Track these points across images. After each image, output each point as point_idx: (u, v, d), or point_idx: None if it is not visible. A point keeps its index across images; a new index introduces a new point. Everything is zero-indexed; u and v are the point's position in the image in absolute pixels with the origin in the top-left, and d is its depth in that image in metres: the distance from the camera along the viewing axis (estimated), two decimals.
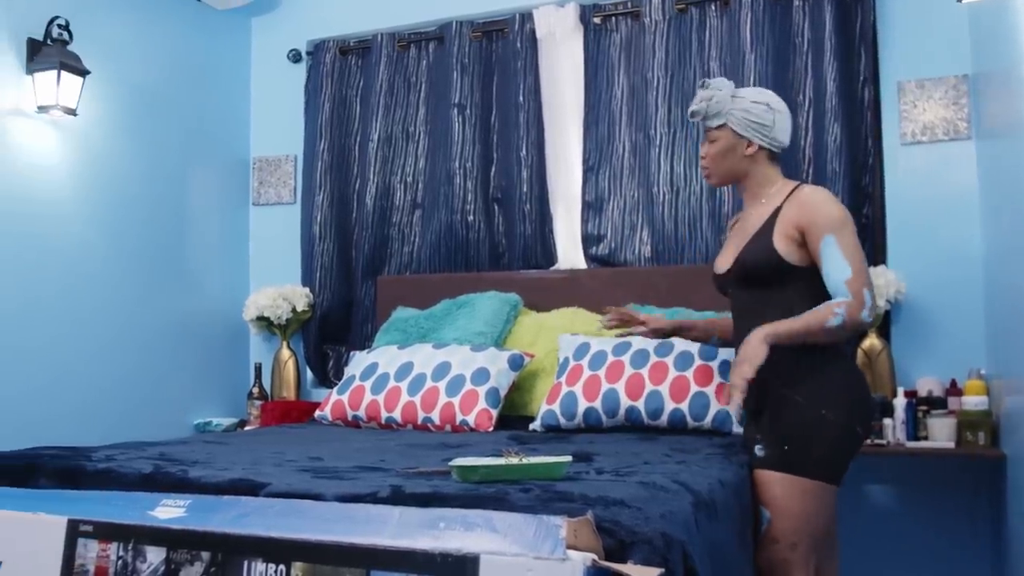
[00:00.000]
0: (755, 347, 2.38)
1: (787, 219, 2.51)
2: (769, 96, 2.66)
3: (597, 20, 4.13)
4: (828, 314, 2.38)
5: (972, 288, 3.46)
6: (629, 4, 4.08)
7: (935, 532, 3.52)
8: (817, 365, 2.49)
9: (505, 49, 4.28)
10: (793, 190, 2.58)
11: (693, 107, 2.68)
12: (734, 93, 2.64)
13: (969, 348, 3.43)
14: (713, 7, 3.95)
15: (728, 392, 2.40)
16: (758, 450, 2.51)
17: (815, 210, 2.47)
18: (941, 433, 3.26)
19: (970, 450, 3.22)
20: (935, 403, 3.34)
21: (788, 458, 2.45)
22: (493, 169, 4.28)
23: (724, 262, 2.71)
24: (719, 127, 2.65)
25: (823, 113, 3.66)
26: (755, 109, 2.61)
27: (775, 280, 2.53)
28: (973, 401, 3.24)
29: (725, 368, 3.13)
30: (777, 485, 2.46)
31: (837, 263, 2.41)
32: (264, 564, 1.60)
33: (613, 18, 4.12)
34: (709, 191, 3.86)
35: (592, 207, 4.07)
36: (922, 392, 3.40)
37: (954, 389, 3.37)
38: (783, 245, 2.50)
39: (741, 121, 2.61)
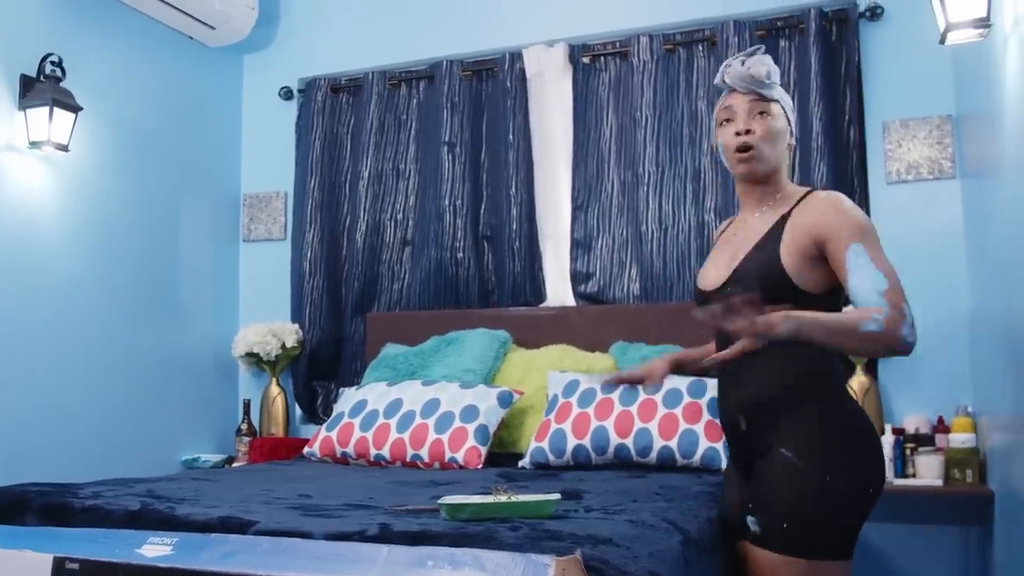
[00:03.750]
0: (772, 320, 1.88)
1: (800, 228, 2.10)
2: None
3: (586, 60, 4.17)
4: (864, 316, 1.92)
5: (958, 325, 3.48)
6: (618, 44, 4.13)
7: (924, 570, 3.51)
8: (816, 409, 2.10)
9: (495, 88, 4.32)
10: (804, 196, 2.19)
11: (761, 68, 2.19)
12: None
13: (956, 385, 3.44)
14: (700, 48, 4.00)
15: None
16: (751, 522, 2.09)
17: (837, 216, 2.06)
18: (929, 471, 3.26)
19: (958, 488, 3.22)
20: (922, 440, 3.35)
21: (789, 538, 2.02)
22: (483, 207, 4.30)
23: (714, 276, 2.28)
24: (776, 101, 2.22)
25: (809, 152, 3.70)
26: (789, 100, 2.25)
27: (773, 302, 1.99)
28: (960, 438, 3.25)
29: (714, 405, 3.13)
30: (781, 570, 2.03)
31: (869, 274, 1.98)
32: None
33: (602, 58, 4.17)
34: (697, 229, 3.88)
35: (581, 245, 4.09)
36: (909, 429, 3.41)
37: (941, 426, 3.38)
38: (792, 261, 2.09)
39: (788, 105, 2.25)
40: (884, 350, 1.98)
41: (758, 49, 2.27)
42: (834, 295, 2.13)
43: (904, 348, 1.94)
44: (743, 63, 2.22)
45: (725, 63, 2.27)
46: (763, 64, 2.20)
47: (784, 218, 2.16)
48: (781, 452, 2.08)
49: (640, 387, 2.72)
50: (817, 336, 1.94)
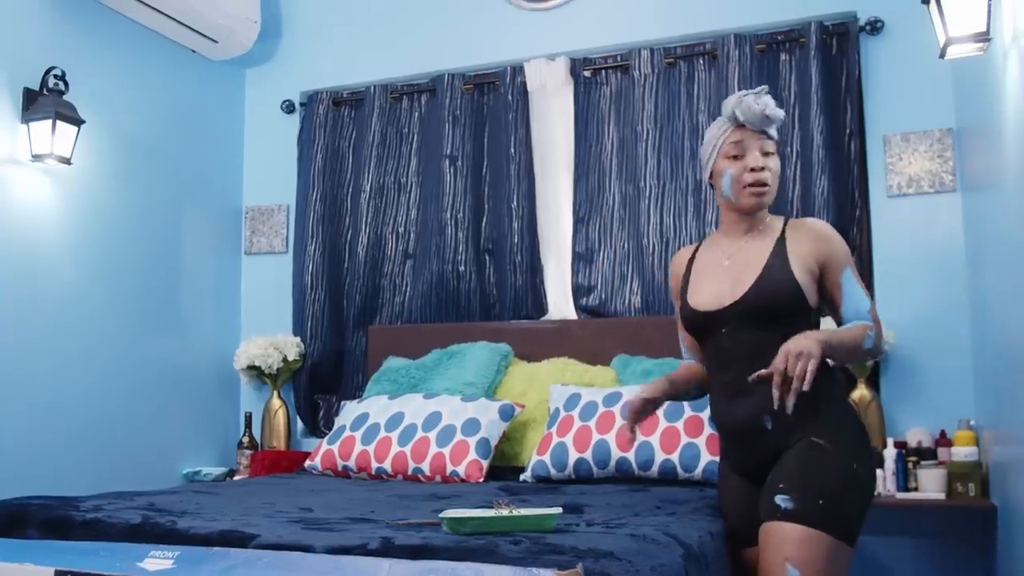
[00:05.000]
0: (810, 344, 2.12)
1: (803, 252, 2.35)
2: None
3: (587, 73, 4.19)
4: (863, 334, 2.28)
5: (960, 338, 3.48)
6: (619, 58, 4.15)
7: None
8: (836, 409, 2.33)
9: (496, 101, 4.33)
10: (786, 222, 2.45)
11: (778, 112, 2.38)
12: None
13: (958, 398, 3.44)
14: (701, 61, 4.01)
15: (779, 378, 2.11)
16: (782, 500, 2.19)
17: (835, 244, 2.37)
18: (931, 484, 3.26)
19: (960, 501, 3.22)
20: (925, 454, 3.34)
21: (823, 515, 2.17)
22: (484, 220, 4.31)
23: (715, 297, 2.41)
24: (777, 141, 2.44)
25: (810, 165, 3.71)
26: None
27: (787, 317, 2.32)
28: (963, 452, 3.24)
29: None
30: (812, 544, 2.15)
31: (859, 294, 2.33)
32: None
33: (603, 71, 4.18)
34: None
35: (583, 258, 4.09)
36: (912, 443, 3.40)
37: (944, 440, 3.37)
38: (802, 279, 2.32)
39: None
40: (868, 360, 2.46)
41: (764, 89, 2.40)
42: (820, 307, 2.42)
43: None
44: (756, 100, 2.36)
45: (736, 96, 2.39)
46: (777, 107, 2.38)
47: (781, 242, 2.39)
48: (813, 440, 2.26)
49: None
50: (836, 354, 2.26)
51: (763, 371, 2.16)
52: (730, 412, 2.40)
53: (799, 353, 2.10)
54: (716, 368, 2.46)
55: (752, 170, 2.37)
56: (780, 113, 2.38)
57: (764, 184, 2.38)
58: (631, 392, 3.33)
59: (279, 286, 4.64)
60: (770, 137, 2.40)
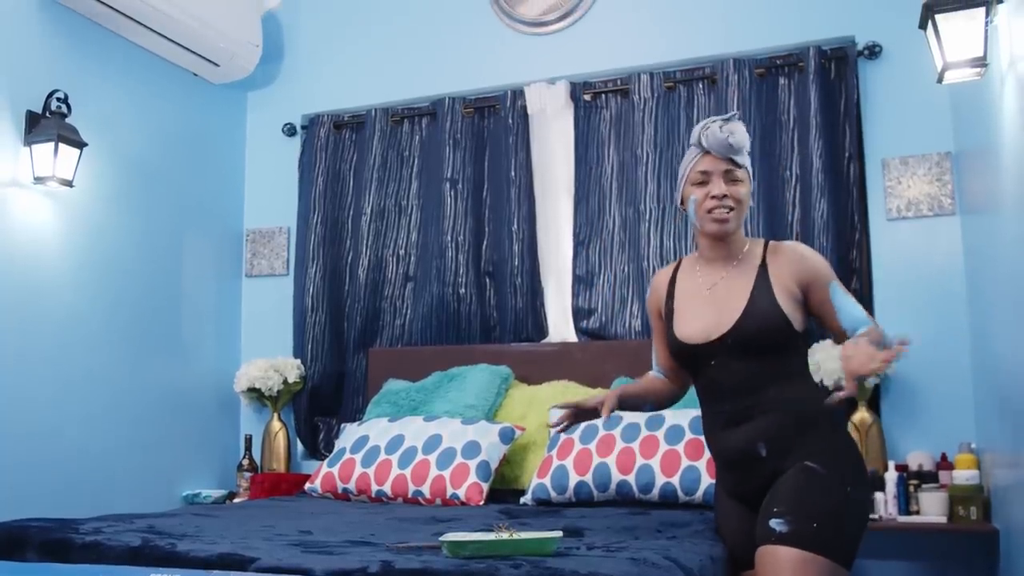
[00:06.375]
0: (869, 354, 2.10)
1: (784, 276, 2.35)
2: None
3: (587, 97, 4.21)
4: (880, 330, 2.27)
5: (960, 361, 3.48)
6: (619, 82, 4.17)
7: None
8: (830, 434, 2.34)
9: (497, 125, 4.35)
10: (766, 246, 2.44)
11: (741, 138, 2.34)
12: None
13: (959, 421, 3.43)
14: (700, 85, 4.03)
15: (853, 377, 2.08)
16: (777, 524, 2.16)
17: (814, 263, 2.38)
18: (933, 507, 3.25)
19: (962, 525, 3.20)
20: (926, 477, 3.34)
21: (818, 537, 2.14)
22: (485, 243, 4.32)
23: (701, 329, 2.41)
24: (743, 167, 2.39)
25: (809, 189, 3.72)
26: (749, 161, 2.44)
27: (776, 345, 2.34)
28: (964, 475, 3.24)
29: None
30: (807, 567, 2.11)
31: (851, 303, 2.33)
32: None
33: (603, 95, 4.20)
34: None
35: (583, 281, 4.10)
36: (913, 466, 3.39)
37: (945, 463, 3.37)
38: (787, 305, 2.32)
39: (749, 167, 2.41)
40: None
41: (734, 115, 2.39)
42: (807, 328, 2.43)
43: None
44: (721, 128, 2.34)
45: (703, 124, 2.38)
46: (743, 133, 2.35)
47: (763, 270, 2.38)
48: (807, 465, 2.26)
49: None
50: None
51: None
52: (725, 441, 2.40)
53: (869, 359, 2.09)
54: (709, 399, 2.46)
55: (714, 197, 2.35)
56: (744, 141, 2.35)
57: (728, 210, 2.36)
58: (631, 416, 3.33)
59: (280, 308, 4.64)
60: (738, 165, 2.36)
